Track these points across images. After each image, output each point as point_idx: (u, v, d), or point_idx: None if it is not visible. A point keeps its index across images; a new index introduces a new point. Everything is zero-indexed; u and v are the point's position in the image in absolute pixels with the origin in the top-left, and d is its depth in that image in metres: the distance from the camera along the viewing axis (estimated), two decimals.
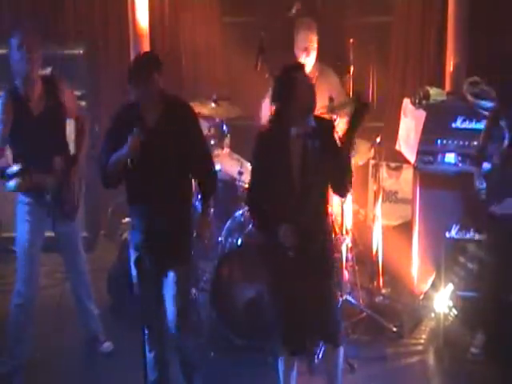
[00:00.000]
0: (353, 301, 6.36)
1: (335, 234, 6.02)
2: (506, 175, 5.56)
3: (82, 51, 7.52)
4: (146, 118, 4.76)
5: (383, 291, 6.78)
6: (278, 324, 5.07)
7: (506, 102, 5.63)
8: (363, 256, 6.88)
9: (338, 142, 4.85)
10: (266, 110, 6.11)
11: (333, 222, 5.93)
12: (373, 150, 6.56)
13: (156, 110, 4.78)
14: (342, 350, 5.09)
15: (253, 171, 5.04)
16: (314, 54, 6.30)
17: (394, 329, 6.35)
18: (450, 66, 6.98)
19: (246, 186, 6.15)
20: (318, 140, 4.73)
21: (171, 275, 5.02)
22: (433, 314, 6.31)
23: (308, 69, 6.18)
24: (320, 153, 4.72)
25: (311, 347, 5.53)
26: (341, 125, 6.01)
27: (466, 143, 6.40)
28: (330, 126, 4.98)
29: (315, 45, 6.30)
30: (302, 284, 4.86)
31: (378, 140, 6.52)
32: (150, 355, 5.12)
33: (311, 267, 4.87)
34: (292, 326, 4.96)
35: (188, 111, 5.03)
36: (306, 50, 6.26)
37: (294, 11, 5.99)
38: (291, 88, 4.69)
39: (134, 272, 5.06)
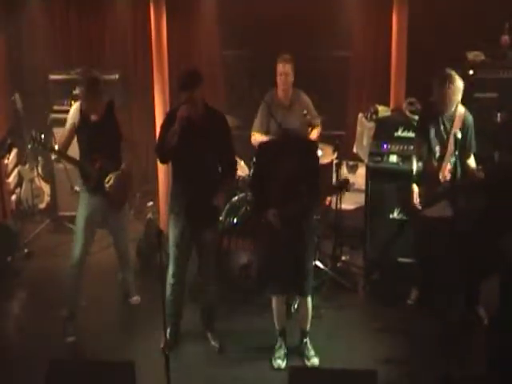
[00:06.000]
0: (321, 265, 6.53)
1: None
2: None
3: (117, 76, 7.71)
4: (191, 117, 5.08)
5: (343, 258, 6.94)
6: (268, 272, 5.44)
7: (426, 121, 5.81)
8: (328, 232, 6.98)
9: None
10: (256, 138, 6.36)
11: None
12: (336, 152, 6.65)
13: (199, 113, 5.10)
14: (309, 300, 5.25)
15: (255, 169, 5.55)
16: (289, 79, 6.42)
17: (350, 286, 6.63)
18: (393, 90, 7.10)
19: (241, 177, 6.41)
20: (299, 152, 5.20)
21: (204, 235, 5.36)
22: (378, 275, 6.61)
23: (286, 89, 6.49)
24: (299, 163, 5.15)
25: (290, 295, 5.73)
26: (314, 131, 6.41)
27: (405, 147, 6.68)
28: (310, 146, 5.49)
29: (290, 71, 6.41)
30: (285, 246, 5.19)
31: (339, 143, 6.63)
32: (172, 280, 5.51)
33: (293, 235, 5.18)
34: (278, 273, 5.32)
35: (222, 118, 5.40)
36: (281, 74, 6.41)
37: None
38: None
39: (172, 229, 5.35)
